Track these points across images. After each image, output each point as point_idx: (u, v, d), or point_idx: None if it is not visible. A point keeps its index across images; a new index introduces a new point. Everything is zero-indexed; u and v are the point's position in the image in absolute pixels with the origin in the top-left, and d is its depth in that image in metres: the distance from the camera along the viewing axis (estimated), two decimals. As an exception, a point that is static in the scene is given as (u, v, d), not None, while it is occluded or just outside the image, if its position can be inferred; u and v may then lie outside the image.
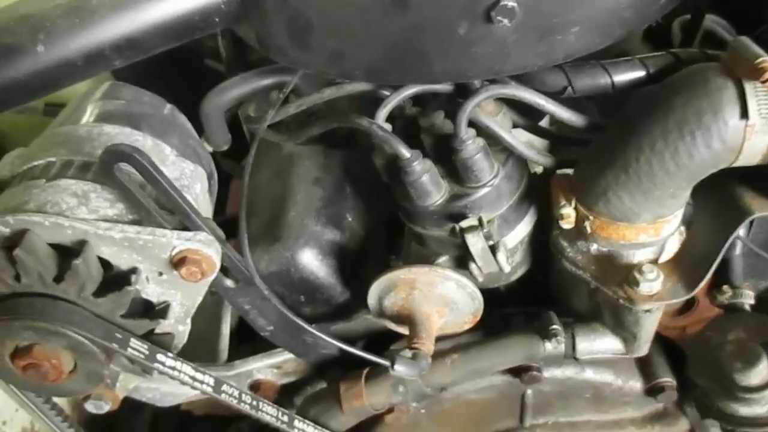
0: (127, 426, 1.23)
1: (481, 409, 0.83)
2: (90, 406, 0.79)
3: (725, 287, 0.81)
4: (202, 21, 0.66)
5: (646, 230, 0.67)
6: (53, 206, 0.64)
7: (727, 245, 0.66)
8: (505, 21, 0.56)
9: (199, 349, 0.86)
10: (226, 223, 0.79)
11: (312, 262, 0.80)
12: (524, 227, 0.76)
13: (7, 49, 0.62)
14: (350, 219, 0.86)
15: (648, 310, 0.69)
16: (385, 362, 0.68)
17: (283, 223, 0.82)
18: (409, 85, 0.70)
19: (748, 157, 0.61)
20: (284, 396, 0.90)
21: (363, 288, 0.83)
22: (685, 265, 0.68)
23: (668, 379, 0.80)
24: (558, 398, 0.83)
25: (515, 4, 0.56)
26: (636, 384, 0.82)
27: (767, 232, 0.79)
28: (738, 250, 0.81)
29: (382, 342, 0.85)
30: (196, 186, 0.75)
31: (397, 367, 0.67)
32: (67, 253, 0.64)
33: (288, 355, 0.86)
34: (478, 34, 0.58)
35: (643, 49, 0.85)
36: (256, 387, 0.87)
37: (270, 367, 0.86)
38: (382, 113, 0.71)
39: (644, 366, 0.82)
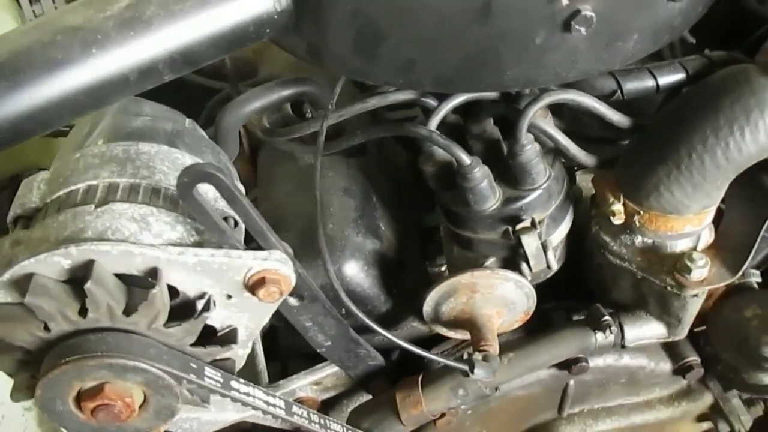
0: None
1: (524, 404, 0.86)
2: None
3: (735, 267, 0.88)
4: (255, 32, 0.65)
5: (692, 221, 0.71)
6: (114, 233, 0.60)
7: (764, 230, 0.71)
8: (582, 30, 0.59)
9: (240, 373, 0.83)
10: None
11: (358, 273, 0.80)
12: (566, 225, 0.79)
13: (56, 64, 0.58)
14: (383, 228, 0.85)
15: (695, 295, 0.74)
16: (464, 367, 0.68)
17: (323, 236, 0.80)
18: (461, 93, 0.71)
19: (788, 151, 0.67)
20: (322, 412, 0.88)
21: (404, 295, 0.83)
22: (726, 251, 0.74)
23: (695, 358, 0.86)
24: (597, 386, 0.87)
25: (593, 14, 0.58)
26: (666, 365, 0.87)
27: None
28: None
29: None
30: (239, 203, 0.72)
31: (477, 370, 0.68)
32: (130, 283, 0.60)
33: (328, 371, 0.84)
34: (553, 42, 0.60)
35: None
36: (297, 406, 0.84)
37: (311, 384, 0.84)
38: (435, 121, 0.72)
39: (671, 347, 0.87)
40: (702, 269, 0.71)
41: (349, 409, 0.85)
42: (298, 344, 0.80)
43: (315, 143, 0.84)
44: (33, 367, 0.61)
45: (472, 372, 0.68)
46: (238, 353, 0.69)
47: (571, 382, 0.85)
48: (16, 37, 0.59)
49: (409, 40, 0.61)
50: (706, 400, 0.90)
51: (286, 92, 0.82)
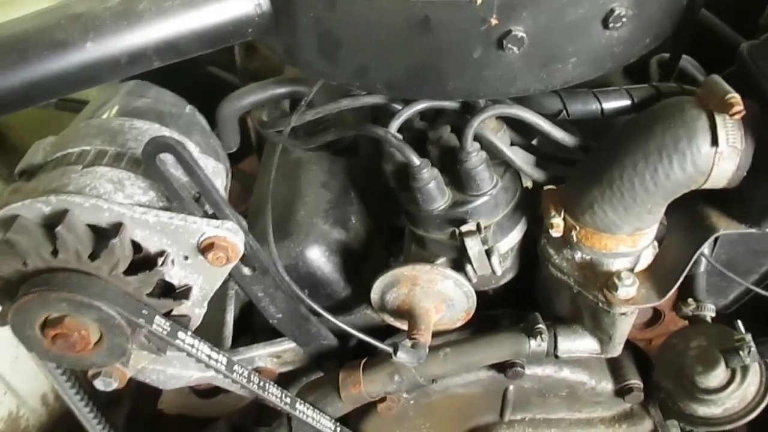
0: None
1: (465, 403, 0.90)
2: (99, 383, 0.83)
3: (690, 300, 0.90)
4: (236, 31, 0.73)
5: (625, 241, 0.75)
6: (91, 190, 0.70)
7: (695, 257, 0.74)
8: (515, 49, 0.65)
9: (204, 335, 0.92)
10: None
11: (319, 258, 0.87)
12: (516, 235, 0.83)
13: (58, 44, 0.68)
14: (354, 221, 0.93)
15: (623, 313, 0.77)
16: (389, 349, 0.74)
17: (293, 221, 0.89)
18: (421, 100, 0.78)
19: (716, 181, 0.70)
20: (281, 384, 0.95)
21: (363, 285, 0.90)
22: (658, 275, 0.77)
23: (636, 381, 0.89)
24: (536, 395, 0.90)
25: (524, 34, 0.64)
26: (607, 385, 0.90)
27: (728, 253, 0.89)
28: (702, 267, 0.90)
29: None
30: (217, 181, 0.81)
31: (399, 354, 0.74)
32: (100, 234, 0.70)
33: (287, 345, 0.91)
34: (489, 58, 0.66)
35: (623, 81, 0.95)
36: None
37: (270, 355, 0.92)
38: (395, 124, 0.79)
39: (615, 369, 0.90)
40: (629, 288, 0.74)
41: (304, 385, 0.93)
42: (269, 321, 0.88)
43: (301, 138, 0.93)
44: (12, 297, 0.71)
45: (395, 354, 0.74)
46: (195, 312, 0.78)
47: (510, 387, 0.89)
48: (31, 19, 0.70)
49: (362, 48, 0.69)
50: (647, 425, 0.91)
51: (279, 90, 0.91)
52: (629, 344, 0.92)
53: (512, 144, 0.82)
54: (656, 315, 0.96)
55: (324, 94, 0.88)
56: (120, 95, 0.87)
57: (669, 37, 0.75)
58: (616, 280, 0.74)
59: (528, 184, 0.88)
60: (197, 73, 1.27)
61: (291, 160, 0.99)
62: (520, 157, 0.79)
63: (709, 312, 0.89)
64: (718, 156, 0.68)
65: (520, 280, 0.90)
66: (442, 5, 0.62)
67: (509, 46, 0.64)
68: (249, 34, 0.74)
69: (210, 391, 1.09)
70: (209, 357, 0.75)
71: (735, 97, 0.66)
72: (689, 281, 0.90)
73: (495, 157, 0.79)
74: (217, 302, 0.96)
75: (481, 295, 0.88)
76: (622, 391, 0.89)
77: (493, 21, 0.63)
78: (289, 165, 0.98)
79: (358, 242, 0.91)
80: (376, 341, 0.77)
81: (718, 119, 0.67)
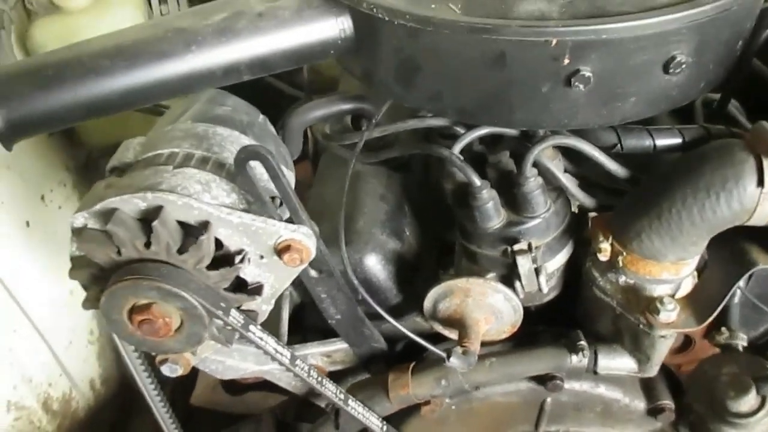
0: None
1: (503, 411, 0.95)
2: (166, 369, 0.89)
3: (723, 329, 0.95)
4: (321, 51, 0.80)
5: (669, 269, 0.80)
6: (183, 189, 0.76)
7: (733, 289, 0.79)
8: (581, 86, 0.70)
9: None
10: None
11: (375, 265, 0.93)
12: (563, 256, 0.89)
13: (163, 55, 0.75)
14: (408, 233, 0.99)
15: (663, 336, 0.82)
16: (442, 354, 0.80)
17: (353, 230, 0.95)
18: (485, 126, 0.84)
19: (759, 219, 0.75)
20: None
21: (414, 293, 0.96)
22: (697, 303, 0.82)
23: (668, 402, 0.93)
24: (572, 409, 0.95)
25: (591, 74, 0.70)
26: (640, 404, 0.94)
27: (761, 287, 0.94)
28: (737, 299, 0.95)
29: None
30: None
31: (452, 359, 0.79)
32: (187, 231, 0.76)
33: (339, 346, 0.97)
34: (556, 94, 0.72)
35: (668, 120, 1.00)
36: (307, 371, 0.98)
37: (322, 354, 0.98)
38: (459, 146, 0.85)
39: (648, 389, 0.95)
40: (670, 313, 0.80)
41: (351, 384, 0.98)
42: (319, 322, 0.94)
43: (364, 152, 1.00)
44: (103, 283, 0.77)
45: (449, 359, 0.79)
46: (262, 308, 0.84)
47: (548, 399, 0.94)
48: (139, 30, 0.78)
49: (439, 76, 0.75)
50: (676, 446, 0.96)
51: (345, 105, 0.97)
52: (663, 367, 0.97)
53: (565, 171, 0.87)
54: (687, 342, 1.01)
55: (387, 113, 0.95)
56: (201, 102, 0.94)
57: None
58: (659, 305, 0.80)
59: (575, 208, 0.94)
60: (257, 83, 1.35)
61: (351, 172, 1.05)
62: (572, 184, 0.84)
63: (741, 341, 0.93)
64: (763, 196, 0.73)
65: (563, 299, 0.95)
66: (520, 43, 0.69)
67: (577, 84, 0.70)
68: (332, 55, 0.81)
69: (239, 389, 1.15)
70: (275, 350, 0.81)
71: (782, 142, 0.72)
72: (724, 311, 0.94)
73: (549, 182, 0.85)
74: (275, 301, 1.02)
75: (525, 311, 0.94)
76: (654, 411, 0.94)
77: (566, 60, 0.69)
78: (350, 177, 1.04)
79: (411, 253, 0.97)
80: (432, 346, 0.82)
81: (766, 162, 0.72)
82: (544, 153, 0.83)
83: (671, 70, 0.71)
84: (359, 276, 0.93)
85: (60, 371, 1.24)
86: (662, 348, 0.84)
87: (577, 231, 0.91)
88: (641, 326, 0.82)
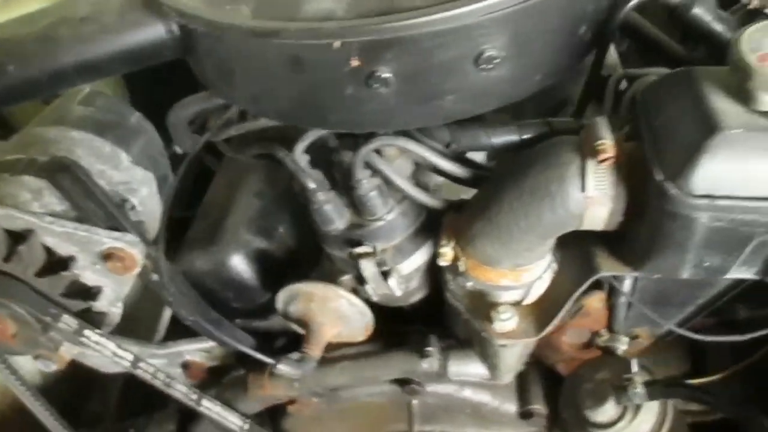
0: (100, 386, 1.37)
1: (374, 411, 0.94)
2: (41, 364, 0.93)
3: (603, 331, 0.89)
4: (155, 53, 0.78)
5: (507, 276, 0.76)
6: (11, 198, 0.78)
7: (574, 297, 0.74)
8: (382, 88, 0.66)
9: (139, 328, 0.99)
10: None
11: (239, 265, 0.92)
12: (420, 257, 0.85)
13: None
14: (282, 231, 0.97)
15: (503, 345, 0.78)
16: (270, 361, 0.79)
17: (220, 227, 0.94)
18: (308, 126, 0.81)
19: (591, 224, 0.70)
20: (213, 377, 1.02)
21: (282, 293, 0.95)
22: (541, 310, 0.77)
23: (538, 406, 0.90)
24: (442, 410, 0.93)
25: (390, 75, 0.66)
26: (511, 407, 0.91)
27: (659, 283, 0.87)
28: (623, 298, 0.89)
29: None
30: (142, 190, 0.87)
31: (280, 366, 0.78)
32: (17, 240, 0.77)
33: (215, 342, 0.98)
34: (362, 96, 0.68)
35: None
36: (186, 366, 0.99)
37: (199, 350, 0.99)
38: (300, 147, 0.82)
39: (521, 391, 0.91)
40: (505, 322, 0.75)
41: (233, 380, 0.99)
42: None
43: (239, 148, 0.98)
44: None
45: (276, 367, 0.78)
46: (111, 310, 0.85)
47: (414, 401, 0.92)
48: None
49: (249, 79, 0.72)
50: (553, 449, 0.92)
51: (217, 101, 0.96)
52: (546, 369, 0.93)
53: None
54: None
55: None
56: (71, 103, 0.95)
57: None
58: (494, 313, 0.76)
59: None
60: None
61: (238, 166, 1.04)
62: (408, 185, 0.80)
63: (621, 344, 0.88)
64: (588, 201, 0.68)
65: (435, 299, 0.92)
66: (306, 47, 0.65)
67: (375, 85, 0.66)
68: (168, 55, 0.79)
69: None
70: (114, 354, 0.82)
71: (604, 143, 0.66)
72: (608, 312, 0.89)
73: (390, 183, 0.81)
74: (157, 297, 1.04)
75: (397, 310, 0.92)
76: (524, 414, 0.91)
77: (354, 62, 0.65)
78: (235, 171, 1.03)
79: (283, 251, 0.96)
80: (257, 353, 0.81)
81: (589, 164, 0.67)
82: (385, 153, 0.80)
83: (482, 66, 0.66)
84: (224, 275, 0.93)
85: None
86: (507, 357, 0.81)
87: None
88: (483, 334, 0.79)
